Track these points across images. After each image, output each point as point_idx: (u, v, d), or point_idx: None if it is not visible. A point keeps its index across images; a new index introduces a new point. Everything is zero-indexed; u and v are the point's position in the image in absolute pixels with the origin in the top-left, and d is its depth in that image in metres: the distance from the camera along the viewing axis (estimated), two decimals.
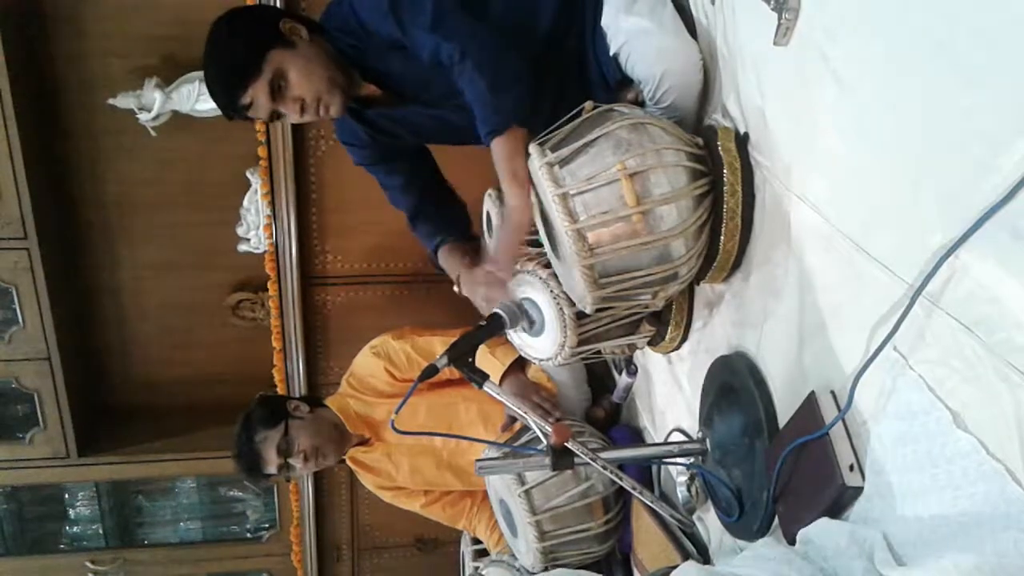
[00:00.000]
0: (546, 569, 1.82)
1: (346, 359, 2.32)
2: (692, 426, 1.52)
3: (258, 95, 1.49)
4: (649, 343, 1.62)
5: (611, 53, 1.45)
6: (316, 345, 2.76)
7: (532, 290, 1.51)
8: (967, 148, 0.79)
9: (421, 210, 1.80)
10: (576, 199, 1.22)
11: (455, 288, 1.71)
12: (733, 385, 1.32)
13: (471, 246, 1.77)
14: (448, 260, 1.75)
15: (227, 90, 1.50)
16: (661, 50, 1.38)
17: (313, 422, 2.09)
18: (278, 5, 2.23)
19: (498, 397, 1.37)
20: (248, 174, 2.55)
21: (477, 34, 1.38)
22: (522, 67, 1.40)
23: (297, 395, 2.70)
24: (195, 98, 2.40)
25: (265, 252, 2.57)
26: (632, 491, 1.36)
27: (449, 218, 1.81)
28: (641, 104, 1.43)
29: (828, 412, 1.03)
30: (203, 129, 2.48)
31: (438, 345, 2.09)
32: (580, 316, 1.46)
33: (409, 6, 1.41)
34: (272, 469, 2.06)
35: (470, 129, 1.41)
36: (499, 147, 1.35)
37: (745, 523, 1.27)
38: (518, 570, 2.02)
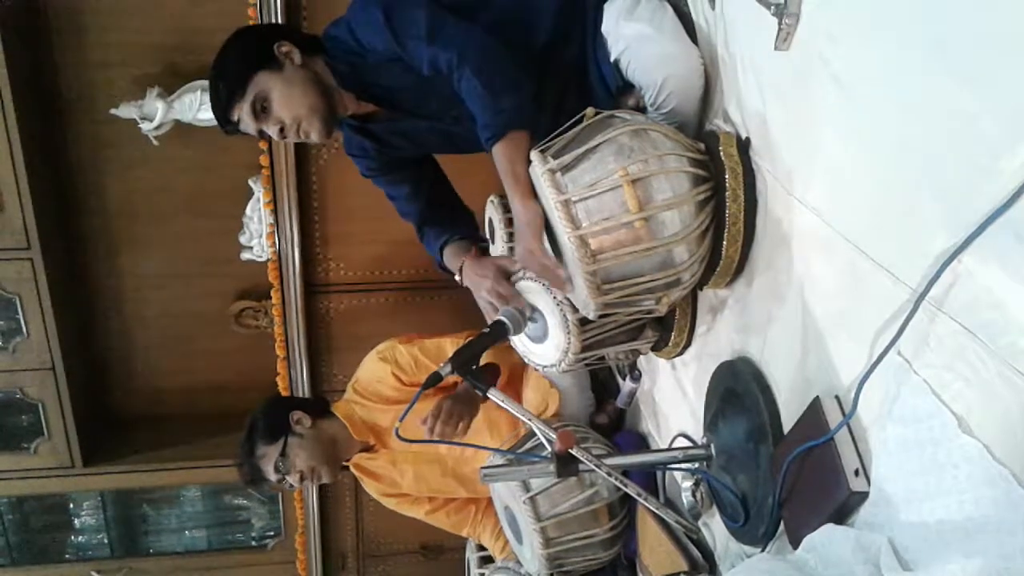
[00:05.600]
0: None
1: (349, 366, 2.32)
2: (697, 431, 1.52)
3: (242, 114, 1.54)
4: (653, 348, 1.62)
5: (612, 59, 1.46)
6: (319, 353, 2.77)
7: (535, 296, 1.51)
8: (969, 152, 0.78)
9: (428, 216, 1.80)
10: (578, 205, 1.22)
11: (456, 278, 1.71)
12: (737, 390, 1.31)
13: (478, 246, 1.77)
14: (453, 258, 1.74)
15: (216, 106, 1.56)
16: (662, 56, 1.38)
17: (312, 440, 2.09)
18: (280, 18, 2.23)
19: (502, 405, 1.37)
20: (250, 183, 2.55)
21: (473, 40, 1.39)
22: (520, 72, 1.40)
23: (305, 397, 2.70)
24: (197, 107, 2.41)
25: (268, 260, 2.57)
26: (637, 497, 1.36)
27: (456, 221, 1.80)
28: (642, 110, 1.43)
29: (833, 417, 1.03)
30: (205, 138, 2.49)
31: (448, 346, 2.08)
32: (583, 322, 1.46)
33: (404, 19, 1.42)
34: (272, 479, 2.08)
35: (471, 139, 1.41)
36: (500, 152, 1.35)
37: (751, 528, 1.27)
38: None
